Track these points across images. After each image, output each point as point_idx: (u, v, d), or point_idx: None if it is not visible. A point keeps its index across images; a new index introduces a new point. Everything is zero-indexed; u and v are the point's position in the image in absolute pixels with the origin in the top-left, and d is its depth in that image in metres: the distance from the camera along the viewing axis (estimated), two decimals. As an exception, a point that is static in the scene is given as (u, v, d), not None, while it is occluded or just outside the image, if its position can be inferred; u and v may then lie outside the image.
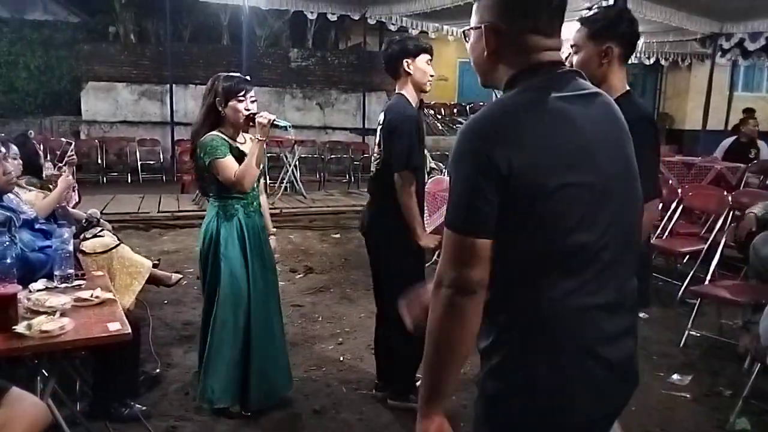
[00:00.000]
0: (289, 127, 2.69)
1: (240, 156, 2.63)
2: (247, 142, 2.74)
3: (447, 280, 1.16)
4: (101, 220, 3.70)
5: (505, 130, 1.13)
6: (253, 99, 2.69)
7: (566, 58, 2.09)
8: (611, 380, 1.23)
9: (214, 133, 2.63)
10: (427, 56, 2.78)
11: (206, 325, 2.79)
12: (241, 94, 2.63)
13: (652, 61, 10.80)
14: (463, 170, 1.15)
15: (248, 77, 2.74)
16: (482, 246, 1.14)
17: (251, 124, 2.65)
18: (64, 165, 3.45)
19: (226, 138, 2.64)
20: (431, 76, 2.81)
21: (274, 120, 2.61)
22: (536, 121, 1.15)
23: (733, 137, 7.38)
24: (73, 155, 3.38)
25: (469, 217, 1.14)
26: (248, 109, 2.65)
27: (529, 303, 1.17)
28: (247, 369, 2.76)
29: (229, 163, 2.57)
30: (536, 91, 1.18)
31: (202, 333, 2.86)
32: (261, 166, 2.70)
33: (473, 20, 1.28)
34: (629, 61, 2.21)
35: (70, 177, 3.28)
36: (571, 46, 2.09)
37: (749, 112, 7.43)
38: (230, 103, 2.63)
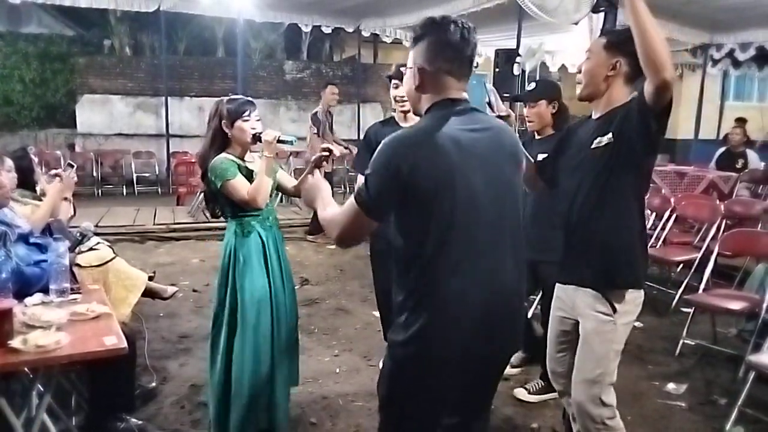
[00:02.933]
0: (295, 141, 2.74)
1: (249, 175, 2.67)
2: (255, 160, 2.78)
3: (335, 234, 1.67)
4: (91, 236, 3.64)
5: (409, 146, 1.56)
6: (258, 118, 2.74)
7: (579, 65, 2.16)
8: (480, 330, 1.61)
9: (222, 155, 2.67)
10: (394, 82, 3.14)
11: (215, 341, 2.74)
12: (246, 114, 2.68)
13: (644, 71, 10.86)
14: (379, 168, 1.56)
15: (251, 99, 2.79)
16: (370, 224, 1.62)
17: (258, 142, 2.69)
18: (56, 175, 3.42)
19: (235, 159, 2.69)
20: (395, 99, 3.19)
21: (279, 136, 2.66)
22: (431, 141, 1.55)
23: (724, 148, 7.45)
24: (74, 177, 3.38)
25: (371, 202, 1.56)
26: (254, 128, 2.70)
27: (423, 274, 1.58)
28: (271, 398, 2.71)
29: (240, 182, 2.61)
30: (438, 120, 1.60)
31: (211, 350, 2.78)
32: (273, 182, 2.75)
33: (408, 62, 1.71)
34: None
35: (59, 185, 3.26)
36: (587, 52, 2.13)
37: (740, 122, 7.51)
38: (236, 124, 2.67)
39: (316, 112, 6.83)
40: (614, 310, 2.06)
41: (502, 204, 1.64)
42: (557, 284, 2.32)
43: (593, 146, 2.04)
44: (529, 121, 3.20)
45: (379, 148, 1.58)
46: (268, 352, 2.67)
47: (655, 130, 1.91)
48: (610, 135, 2.00)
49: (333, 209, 1.75)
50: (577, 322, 2.19)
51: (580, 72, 2.12)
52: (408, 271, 1.61)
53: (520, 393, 3.24)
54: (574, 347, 2.21)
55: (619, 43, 2.03)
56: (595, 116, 2.14)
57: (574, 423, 2.35)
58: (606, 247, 2.05)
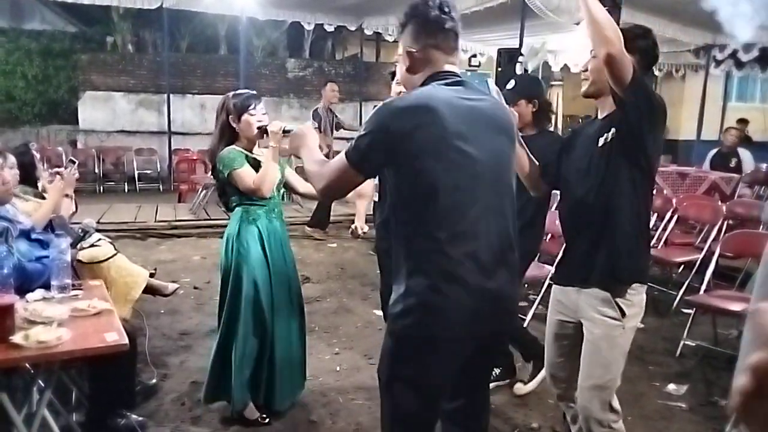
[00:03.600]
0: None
1: (257, 166, 2.73)
2: (263, 153, 2.83)
3: (321, 185, 1.73)
4: (93, 233, 3.66)
5: (402, 108, 1.61)
6: (264, 111, 2.80)
7: (585, 63, 2.10)
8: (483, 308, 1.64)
9: (229, 147, 2.74)
10: (396, 78, 2.93)
11: (228, 328, 2.80)
12: (252, 107, 2.75)
13: (646, 71, 10.86)
14: (370, 127, 1.62)
15: (255, 92, 2.85)
16: (356, 178, 1.68)
17: (265, 135, 2.74)
18: (56, 173, 3.43)
19: (242, 150, 2.76)
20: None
21: (285, 127, 2.69)
22: (424, 104, 1.60)
23: (717, 149, 7.47)
24: (75, 173, 3.39)
25: (361, 157, 1.63)
26: (260, 121, 2.76)
27: (421, 240, 1.61)
28: (270, 370, 2.82)
29: (247, 172, 2.69)
30: (431, 87, 1.66)
31: (220, 338, 2.84)
32: (281, 174, 2.82)
33: (399, 51, 1.79)
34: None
35: (60, 182, 3.27)
36: (591, 51, 2.09)
37: (741, 123, 7.51)
38: (243, 118, 2.74)
39: (317, 109, 7.02)
40: (623, 314, 2.04)
41: (499, 170, 1.69)
42: (555, 287, 2.29)
43: (600, 144, 2.03)
44: None
45: (375, 108, 1.66)
46: (269, 326, 2.77)
47: (642, 101, 1.90)
48: (613, 130, 1.99)
49: (321, 160, 1.80)
50: (579, 325, 2.16)
51: (586, 70, 2.10)
52: (406, 238, 1.65)
53: (518, 388, 3.26)
54: (575, 351, 2.18)
55: (628, 41, 1.98)
56: (601, 115, 2.13)
57: (573, 425, 2.34)
58: (613, 244, 2.03)
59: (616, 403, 2.12)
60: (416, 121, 1.57)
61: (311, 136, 1.92)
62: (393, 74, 3.13)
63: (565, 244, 2.23)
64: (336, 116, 7.27)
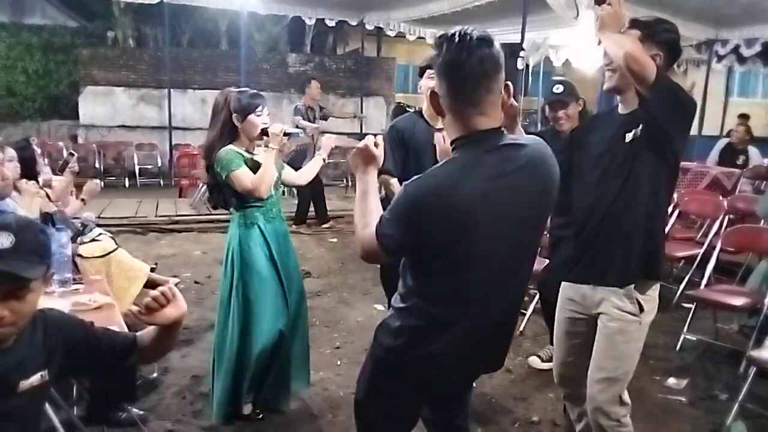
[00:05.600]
0: (301, 133, 2.78)
1: (255, 167, 2.69)
2: (261, 153, 2.80)
3: (359, 253, 1.62)
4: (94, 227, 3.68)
5: (430, 200, 1.44)
6: (267, 113, 2.77)
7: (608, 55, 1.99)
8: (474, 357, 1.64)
9: (228, 147, 2.69)
10: (429, 72, 2.74)
11: (241, 336, 2.76)
12: (259, 109, 2.71)
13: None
14: (396, 218, 1.48)
15: (258, 92, 2.81)
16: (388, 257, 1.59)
17: (264, 136, 2.72)
18: (62, 172, 3.46)
19: (241, 151, 2.71)
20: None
21: (286, 129, 2.69)
22: (454, 197, 1.43)
23: (726, 142, 7.42)
24: (75, 166, 3.41)
25: (388, 245, 1.50)
26: (265, 123, 2.73)
27: (424, 294, 1.56)
28: (280, 368, 2.84)
29: (244, 173, 2.64)
30: (465, 168, 1.45)
31: (217, 340, 2.83)
32: (278, 174, 2.79)
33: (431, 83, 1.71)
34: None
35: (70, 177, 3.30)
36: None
37: (743, 118, 7.47)
38: (249, 119, 2.70)
39: (297, 106, 7.38)
40: (641, 309, 2.01)
41: (519, 250, 1.57)
42: (565, 283, 2.23)
43: (627, 140, 1.97)
44: (561, 122, 3.15)
45: (400, 191, 1.48)
46: (284, 322, 2.76)
47: (669, 98, 1.85)
48: (641, 126, 1.93)
49: (366, 219, 1.58)
50: (592, 320, 2.11)
51: (610, 63, 1.98)
52: (411, 285, 1.59)
53: (535, 362, 3.28)
54: (587, 349, 2.14)
55: (654, 35, 1.96)
56: (624, 110, 2.05)
57: (578, 423, 2.33)
58: (637, 241, 1.99)
59: (626, 397, 2.11)
60: (442, 212, 1.42)
61: (376, 160, 1.68)
62: (422, 69, 2.88)
63: (577, 241, 2.17)
64: (322, 109, 7.60)
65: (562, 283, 2.26)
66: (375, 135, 1.75)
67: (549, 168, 1.55)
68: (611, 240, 2.03)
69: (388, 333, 1.62)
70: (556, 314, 2.30)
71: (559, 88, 3.18)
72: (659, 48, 1.95)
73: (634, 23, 1.99)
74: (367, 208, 1.60)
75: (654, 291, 2.06)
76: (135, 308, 1.46)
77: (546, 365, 3.27)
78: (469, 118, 1.48)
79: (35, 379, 1.45)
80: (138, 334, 1.60)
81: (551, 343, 3.26)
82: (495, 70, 1.45)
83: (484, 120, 1.48)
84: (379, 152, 1.67)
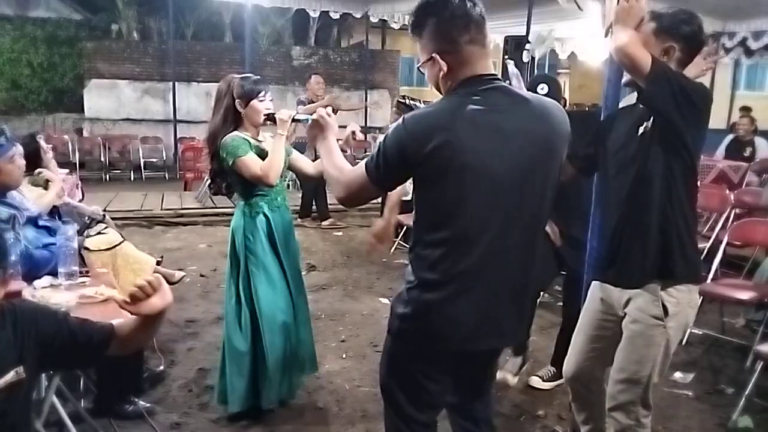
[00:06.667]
0: (310, 119, 2.76)
1: (261, 154, 2.68)
2: (266, 140, 2.79)
3: (340, 195, 1.66)
4: (106, 216, 3.71)
5: (423, 128, 1.50)
6: (271, 98, 2.77)
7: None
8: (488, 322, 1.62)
9: (233, 134, 2.67)
10: None
11: (252, 333, 2.76)
12: (262, 94, 2.71)
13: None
14: (391, 146, 1.53)
15: (261, 77, 2.80)
16: (376, 191, 1.69)
17: (269, 122, 2.71)
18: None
19: (247, 137, 2.69)
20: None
21: (294, 115, 2.66)
22: (446, 124, 1.49)
23: (733, 136, 7.38)
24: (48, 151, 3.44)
25: (380, 175, 1.57)
26: (268, 108, 2.72)
27: (434, 249, 1.56)
28: (288, 361, 2.82)
29: (252, 159, 2.63)
30: (458, 102, 1.52)
31: (226, 332, 2.81)
32: (285, 161, 2.76)
33: (423, 57, 1.59)
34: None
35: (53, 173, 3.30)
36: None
37: (744, 110, 7.43)
38: (251, 104, 2.69)
39: (301, 98, 7.25)
40: (666, 313, 1.95)
41: (523, 190, 1.55)
42: (595, 282, 2.19)
43: (640, 133, 1.94)
44: None
45: (395, 124, 1.55)
46: (290, 318, 2.77)
47: (667, 91, 1.82)
48: (652, 119, 1.91)
49: (340, 165, 1.70)
50: (620, 319, 2.07)
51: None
52: (421, 243, 1.60)
53: (535, 381, 3.24)
54: (606, 354, 2.10)
55: (671, 27, 1.92)
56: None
57: (584, 426, 2.30)
58: (651, 239, 1.94)
59: (650, 399, 2.05)
60: (431, 146, 1.46)
61: (330, 127, 1.82)
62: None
63: (603, 240, 2.13)
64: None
65: (592, 282, 2.22)
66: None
67: (556, 123, 1.60)
68: (628, 239, 1.99)
69: (401, 301, 1.65)
70: (582, 313, 2.25)
71: (544, 89, 3.08)
72: (675, 40, 1.91)
73: (652, 16, 1.95)
74: (337, 161, 1.72)
75: (679, 292, 1.97)
76: (120, 298, 1.44)
77: (547, 385, 3.23)
78: (476, 62, 1.55)
79: (10, 376, 1.41)
80: (115, 323, 1.56)
81: (552, 364, 3.26)
82: (479, 22, 1.55)
83: (486, 67, 1.57)
84: (333, 121, 1.85)
